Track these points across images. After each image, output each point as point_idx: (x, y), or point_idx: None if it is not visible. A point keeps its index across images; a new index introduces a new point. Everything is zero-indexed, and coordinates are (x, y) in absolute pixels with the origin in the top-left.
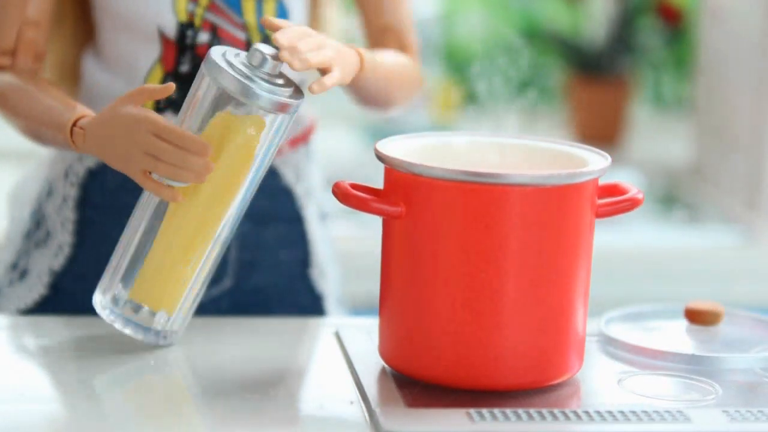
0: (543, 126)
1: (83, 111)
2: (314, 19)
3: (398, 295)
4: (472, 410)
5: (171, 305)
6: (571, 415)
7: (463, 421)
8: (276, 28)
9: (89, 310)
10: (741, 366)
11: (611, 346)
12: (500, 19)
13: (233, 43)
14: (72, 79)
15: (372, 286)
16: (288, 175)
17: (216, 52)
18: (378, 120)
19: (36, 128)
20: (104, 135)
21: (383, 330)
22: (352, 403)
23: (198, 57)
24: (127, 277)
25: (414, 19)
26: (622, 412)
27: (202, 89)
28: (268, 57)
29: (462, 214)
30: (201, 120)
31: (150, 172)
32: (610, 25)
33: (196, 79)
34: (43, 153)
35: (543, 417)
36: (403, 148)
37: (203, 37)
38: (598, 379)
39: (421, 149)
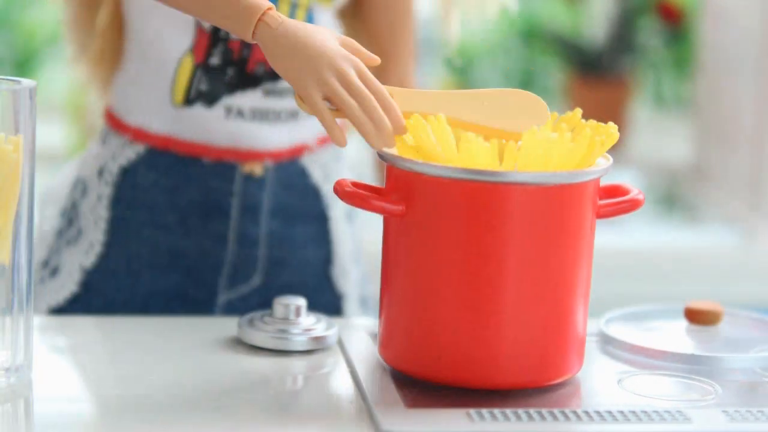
0: None
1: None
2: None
3: (398, 295)
4: (472, 410)
5: None
6: (571, 415)
7: (463, 421)
8: None
9: (119, 308)
10: (741, 366)
11: (611, 346)
12: (500, 19)
13: None
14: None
15: (372, 286)
16: (316, 174)
17: None
18: None
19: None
20: (306, 36)
21: (383, 330)
22: (351, 403)
23: (229, 51)
24: None
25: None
26: (622, 412)
27: None
28: None
29: (463, 212)
30: None
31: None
32: (610, 25)
33: None
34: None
35: (543, 417)
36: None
37: None
38: (598, 379)
39: None
